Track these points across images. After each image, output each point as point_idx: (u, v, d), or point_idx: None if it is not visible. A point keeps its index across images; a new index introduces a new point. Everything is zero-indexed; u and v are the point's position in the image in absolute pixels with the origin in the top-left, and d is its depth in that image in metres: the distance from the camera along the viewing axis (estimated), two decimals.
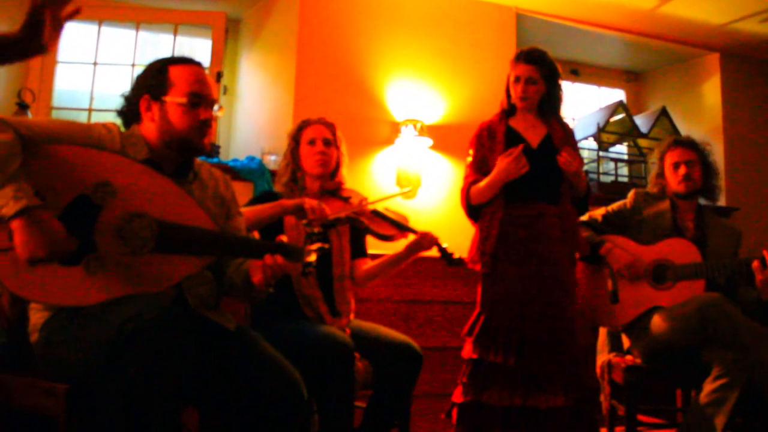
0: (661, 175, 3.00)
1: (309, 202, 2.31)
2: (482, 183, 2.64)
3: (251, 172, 3.43)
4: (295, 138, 2.60)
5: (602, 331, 3.14)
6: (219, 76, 4.00)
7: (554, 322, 2.58)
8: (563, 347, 2.56)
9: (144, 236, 1.61)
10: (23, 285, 1.53)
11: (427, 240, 2.52)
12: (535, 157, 2.67)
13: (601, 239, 2.90)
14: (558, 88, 2.77)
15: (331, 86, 3.74)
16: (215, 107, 1.85)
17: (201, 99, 1.79)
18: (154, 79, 1.80)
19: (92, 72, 4.13)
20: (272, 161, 3.57)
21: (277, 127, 3.79)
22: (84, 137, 1.69)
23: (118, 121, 1.88)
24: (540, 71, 2.69)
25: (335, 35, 3.82)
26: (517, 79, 2.70)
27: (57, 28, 1.51)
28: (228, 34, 4.26)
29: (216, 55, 4.08)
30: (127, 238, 1.61)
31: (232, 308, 2.17)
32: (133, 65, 4.12)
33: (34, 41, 1.49)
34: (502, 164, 2.58)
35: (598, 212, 3.02)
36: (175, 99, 1.77)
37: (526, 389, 2.52)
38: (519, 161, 2.56)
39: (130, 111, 1.85)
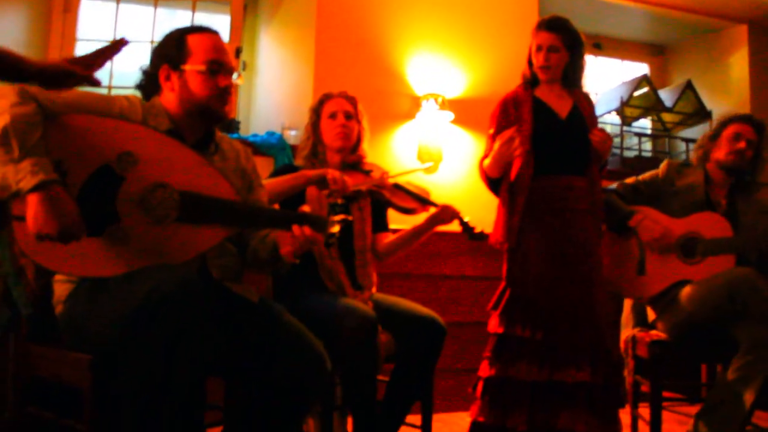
0: (714, 137, 2.92)
1: (331, 173, 2.29)
2: (490, 161, 2.60)
3: (271, 147, 3.41)
4: (317, 111, 2.57)
5: (626, 306, 3.10)
6: (238, 52, 3.97)
7: (581, 295, 2.54)
8: (589, 321, 2.52)
9: (166, 206, 1.60)
10: (46, 255, 1.52)
11: (448, 213, 2.51)
12: (564, 128, 2.63)
13: (631, 209, 2.85)
14: (581, 57, 2.70)
15: (351, 60, 3.70)
16: (234, 75, 1.83)
17: (220, 66, 1.79)
18: (172, 49, 1.79)
19: None
20: (292, 136, 3.55)
21: (297, 102, 3.77)
22: (105, 108, 1.68)
23: (139, 95, 1.87)
24: (563, 39, 2.62)
25: (355, 8, 3.77)
26: (539, 48, 2.64)
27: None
28: (246, 10, 4.22)
29: (235, 30, 4.06)
30: (150, 208, 1.59)
31: (255, 281, 2.16)
32: (151, 42, 4.10)
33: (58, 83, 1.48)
34: (496, 147, 2.53)
35: (629, 181, 2.97)
36: (194, 67, 1.77)
37: (553, 364, 2.49)
38: (510, 144, 2.50)
39: (149, 83, 1.84)
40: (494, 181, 2.66)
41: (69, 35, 4.04)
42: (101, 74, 3.83)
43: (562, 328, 2.51)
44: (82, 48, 4.07)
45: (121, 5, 4.16)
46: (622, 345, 2.97)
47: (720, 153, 2.87)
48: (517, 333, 2.54)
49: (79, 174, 1.55)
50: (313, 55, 3.68)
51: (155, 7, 4.19)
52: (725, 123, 2.92)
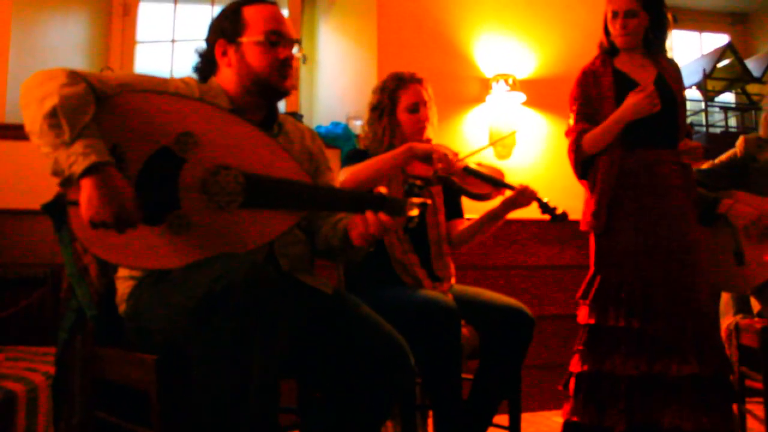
0: None
1: (439, 150, 2.12)
2: (599, 128, 2.39)
3: (337, 137, 3.29)
4: (391, 98, 2.37)
5: (724, 293, 2.85)
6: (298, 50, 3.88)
7: (680, 277, 2.32)
8: (692, 306, 2.30)
9: (231, 191, 1.47)
10: (104, 247, 1.40)
11: (525, 195, 2.28)
12: None
13: (716, 196, 2.60)
14: (662, 18, 2.48)
15: (416, 44, 3.55)
16: (295, 48, 1.70)
17: (279, 37, 1.67)
18: (228, 22, 1.68)
19: (171, 50, 4.10)
20: (358, 126, 3.42)
21: (361, 91, 3.64)
22: (161, 88, 1.58)
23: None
24: (640, 2, 2.40)
25: None
26: (615, 14, 2.43)
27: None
28: (304, 2, 4.13)
29: (293, 24, 3.95)
30: (213, 193, 1.46)
31: (326, 273, 2.03)
32: None
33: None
34: (634, 99, 2.31)
35: (704, 167, 2.72)
36: (251, 39, 1.65)
37: (652, 355, 2.27)
38: (653, 98, 2.29)
39: (205, 63, 1.73)
40: (587, 162, 2.46)
41: (129, 38, 4.05)
42: (162, 76, 3.84)
43: (661, 315, 2.29)
44: (142, 50, 4.06)
45: (179, 5, 4.13)
46: (723, 334, 2.73)
47: None
48: (611, 323, 2.34)
49: (136, 158, 1.43)
50: (376, 42, 3.55)
51: (213, 5, 4.14)
52: None
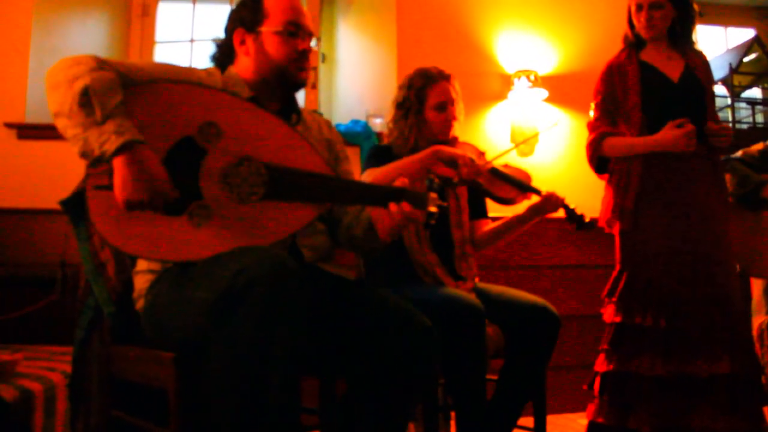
0: None
1: (465, 156, 2.08)
2: (627, 141, 2.33)
3: (356, 135, 3.26)
4: (418, 96, 2.32)
5: (756, 290, 2.78)
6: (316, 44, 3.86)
7: (708, 274, 2.25)
8: (722, 303, 2.23)
9: (252, 182, 1.44)
10: (123, 238, 1.38)
11: (552, 202, 2.25)
12: (677, 92, 2.36)
13: (763, 178, 2.53)
14: (689, 8, 2.41)
15: (436, 41, 3.51)
16: (313, 42, 1.70)
17: (298, 28, 1.67)
18: (247, 11, 1.68)
19: (189, 49, 4.09)
20: (378, 124, 3.39)
21: (381, 89, 3.61)
22: (185, 77, 1.57)
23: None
24: None
25: None
26: (640, 7, 2.37)
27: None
28: (323, 1, 4.11)
29: (312, 21, 3.93)
30: (234, 184, 1.43)
31: (348, 262, 2.00)
32: None
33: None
34: (671, 135, 2.25)
35: (755, 147, 2.65)
36: (270, 28, 1.65)
37: (681, 355, 2.20)
38: (690, 138, 2.23)
39: (223, 53, 1.72)
40: (604, 159, 2.40)
41: (148, 38, 4.05)
42: None
43: (689, 313, 2.22)
44: (161, 50, 4.06)
45: (198, 4, 4.12)
46: (755, 333, 2.65)
47: None
48: (637, 321, 2.28)
49: (159, 147, 1.41)
50: (395, 39, 3.52)
51: (231, 4, 4.12)
52: None
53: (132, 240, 1.38)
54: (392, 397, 1.53)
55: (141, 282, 1.57)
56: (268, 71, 1.66)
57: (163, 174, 1.35)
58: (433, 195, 1.53)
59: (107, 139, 1.30)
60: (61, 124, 1.36)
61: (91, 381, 1.68)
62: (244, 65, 1.69)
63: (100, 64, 1.41)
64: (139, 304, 1.57)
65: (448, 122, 2.29)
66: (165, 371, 1.42)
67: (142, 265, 1.59)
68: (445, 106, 2.29)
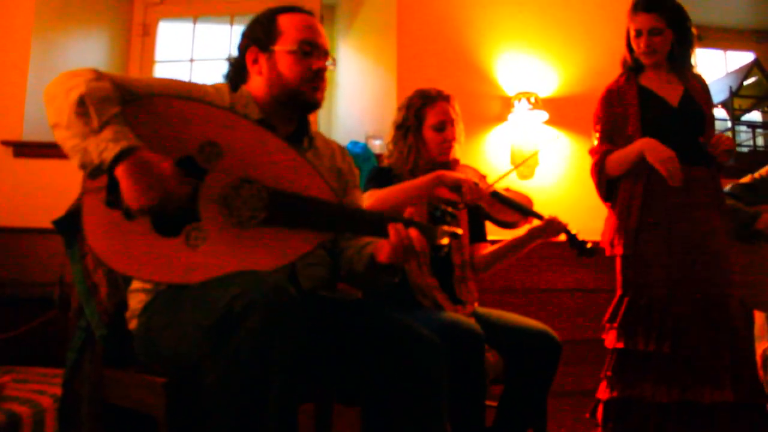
0: None
1: (469, 181, 2.06)
2: (622, 151, 2.31)
3: (356, 156, 3.24)
4: (417, 116, 2.30)
5: (759, 316, 2.74)
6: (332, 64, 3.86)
7: (712, 298, 2.22)
8: (726, 329, 2.19)
9: (253, 206, 1.40)
10: (117, 258, 1.35)
11: (553, 227, 2.23)
12: (677, 116, 2.34)
13: (755, 211, 2.50)
14: (688, 33, 2.40)
15: (436, 63, 3.51)
16: (329, 61, 1.65)
17: (313, 47, 1.62)
18: (261, 29, 1.64)
19: (189, 68, 4.09)
20: (377, 145, 3.37)
21: (380, 110, 3.60)
22: (189, 94, 1.53)
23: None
24: (664, 18, 2.33)
25: (437, 10, 3.59)
26: (639, 33, 2.36)
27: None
28: (323, 21, 4.11)
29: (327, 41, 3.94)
30: (234, 207, 1.40)
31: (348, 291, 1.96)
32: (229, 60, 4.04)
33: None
34: (660, 155, 2.22)
35: (743, 181, 2.62)
36: (284, 47, 1.60)
37: (684, 381, 2.16)
38: (672, 171, 2.20)
39: (235, 71, 1.68)
40: (611, 181, 2.38)
41: (147, 57, 4.06)
42: None
43: (693, 339, 2.19)
44: (161, 69, 4.06)
45: (198, 24, 4.13)
46: (758, 359, 2.61)
47: None
48: (640, 347, 2.24)
49: None
50: (396, 60, 3.52)
51: (231, 24, 4.13)
52: None
53: (126, 260, 1.35)
54: (410, 413, 1.48)
55: (134, 302, 1.54)
56: (280, 91, 1.62)
57: (169, 170, 1.31)
58: (445, 228, 1.49)
59: (105, 147, 1.27)
60: (59, 136, 1.33)
61: (82, 405, 1.64)
62: (256, 84, 1.64)
63: (98, 75, 1.38)
64: (132, 324, 1.53)
65: (446, 143, 2.27)
66: (155, 397, 1.39)
67: (136, 284, 1.55)
68: (444, 126, 2.27)
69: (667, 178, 2.20)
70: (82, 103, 1.30)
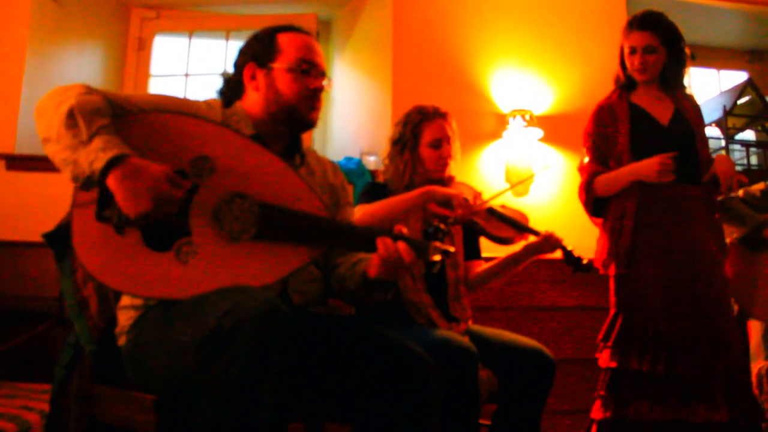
0: None
1: (459, 196, 2.05)
2: (612, 174, 2.32)
3: (350, 172, 3.23)
4: (413, 132, 2.29)
5: (754, 335, 2.73)
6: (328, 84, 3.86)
7: (707, 317, 2.21)
8: (721, 348, 2.18)
9: (245, 220, 1.39)
10: (108, 273, 1.33)
11: (550, 243, 2.21)
12: (666, 135, 2.34)
13: (765, 219, 2.50)
14: (680, 53, 2.41)
15: (431, 80, 3.52)
16: (325, 81, 1.66)
17: (311, 66, 1.63)
18: (260, 46, 1.64)
19: (184, 83, 4.09)
20: (372, 161, 3.37)
21: (375, 126, 3.60)
22: (182, 109, 1.52)
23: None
24: (658, 37, 2.34)
25: (432, 27, 3.60)
26: (633, 50, 2.37)
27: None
28: (319, 37, 4.11)
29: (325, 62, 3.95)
30: (225, 221, 1.39)
31: (340, 308, 1.95)
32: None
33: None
34: (647, 162, 2.25)
35: (756, 187, 2.62)
36: (283, 65, 1.61)
37: (679, 401, 2.14)
38: (665, 168, 2.22)
39: (231, 87, 1.68)
40: (599, 201, 2.38)
41: (143, 72, 4.06)
42: None
43: (687, 358, 2.17)
44: (156, 83, 4.06)
45: (194, 39, 4.14)
46: (754, 378, 2.60)
47: None
48: (634, 366, 2.22)
49: None
50: (391, 77, 3.53)
51: (227, 40, 4.14)
52: None
53: (117, 275, 1.33)
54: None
55: (124, 318, 1.52)
56: (277, 108, 1.61)
57: (164, 175, 1.30)
58: (437, 244, 1.48)
59: (95, 157, 1.26)
60: (50, 150, 1.33)
61: (69, 422, 1.62)
62: (252, 101, 1.64)
63: (89, 90, 1.38)
64: (122, 341, 1.51)
65: (442, 160, 2.26)
66: (144, 415, 1.37)
67: (125, 300, 1.53)
68: (440, 144, 2.26)
69: (662, 176, 2.21)
70: (71, 116, 1.30)
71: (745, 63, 4.91)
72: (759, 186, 2.64)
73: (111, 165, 1.27)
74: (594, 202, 2.40)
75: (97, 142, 1.28)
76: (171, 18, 4.18)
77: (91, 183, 1.29)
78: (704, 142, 2.43)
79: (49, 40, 3.45)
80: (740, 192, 2.60)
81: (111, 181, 1.28)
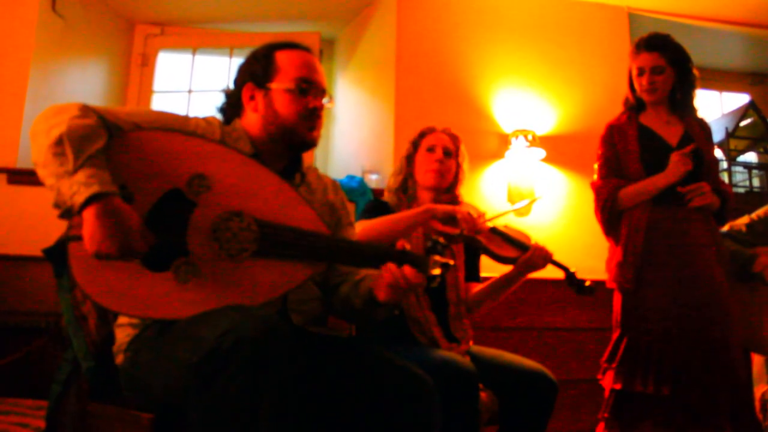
0: None
1: (462, 211, 2.04)
2: (640, 184, 2.31)
3: (352, 191, 3.22)
4: (414, 144, 2.32)
5: (757, 359, 2.71)
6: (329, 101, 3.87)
7: (711, 342, 2.19)
8: (727, 371, 2.16)
9: (243, 238, 1.37)
10: (104, 293, 1.32)
11: (539, 255, 2.15)
12: None
13: (753, 253, 2.49)
14: (689, 73, 2.41)
15: (434, 100, 3.52)
16: (325, 99, 1.63)
17: (310, 85, 1.59)
18: (258, 65, 1.60)
19: (187, 99, 4.09)
20: (373, 180, 3.36)
21: (377, 145, 3.59)
22: (180, 126, 1.50)
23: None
24: (666, 57, 2.35)
25: (435, 47, 3.61)
26: (641, 71, 2.38)
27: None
28: (322, 55, 4.13)
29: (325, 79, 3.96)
30: (224, 239, 1.37)
31: (340, 328, 1.93)
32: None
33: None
34: (672, 164, 2.27)
35: (741, 221, 2.62)
36: (281, 85, 1.57)
37: (684, 424, 2.12)
38: (684, 159, 2.24)
39: (230, 105, 1.65)
40: (616, 216, 2.36)
41: (146, 87, 4.06)
42: None
43: (692, 381, 2.15)
44: (159, 99, 4.06)
45: (197, 55, 4.15)
46: (756, 404, 2.57)
47: None
48: (638, 389, 2.20)
49: (146, 199, 1.35)
50: (394, 96, 3.53)
51: (231, 57, 4.15)
52: None
53: (113, 295, 1.31)
54: None
55: (122, 336, 1.50)
56: (275, 129, 1.59)
57: (137, 225, 1.28)
58: (436, 257, 1.47)
59: (76, 190, 1.25)
60: (40, 174, 1.32)
61: None
62: (251, 120, 1.61)
63: (84, 111, 1.35)
64: (119, 359, 1.49)
65: (433, 164, 2.25)
66: None
67: (123, 318, 1.52)
68: (434, 149, 2.27)
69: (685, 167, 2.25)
70: (60, 143, 1.28)
71: (747, 85, 4.91)
72: (743, 220, 2.62)
73: (91, 201, 1.25)
74: (612, 218, 2.38)
75: (81, 175, 1.26)
76: (175, 35, 4.19)
77: (69, 214, 1.28)
78: (715, 164, 2.43)
79: (53, 56, 3.46)
80: (726, 227, 2.59)
81: (86, 214, 1.26)
